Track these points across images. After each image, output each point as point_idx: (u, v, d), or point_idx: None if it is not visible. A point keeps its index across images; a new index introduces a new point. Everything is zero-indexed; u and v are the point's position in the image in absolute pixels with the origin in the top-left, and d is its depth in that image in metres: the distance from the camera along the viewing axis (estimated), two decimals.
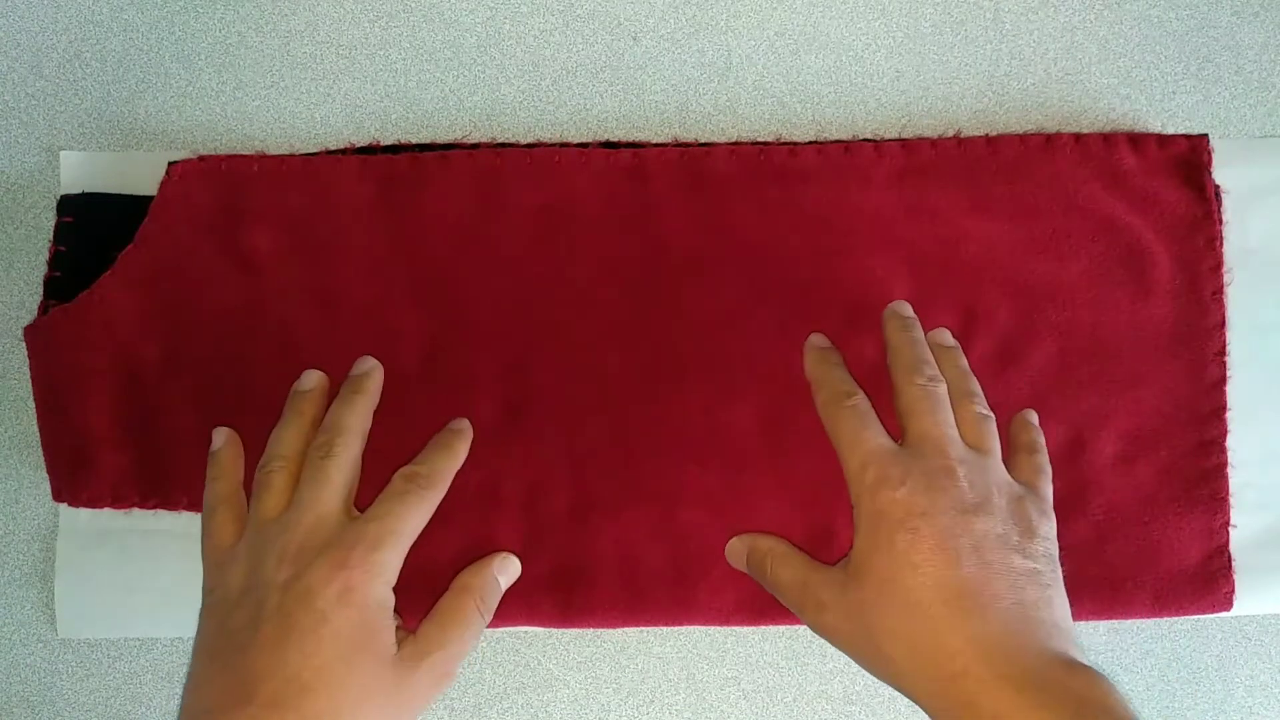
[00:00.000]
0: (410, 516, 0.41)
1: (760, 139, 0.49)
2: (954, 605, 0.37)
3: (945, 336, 0.45)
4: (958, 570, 0.37)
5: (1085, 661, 0.37)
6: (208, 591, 0.40)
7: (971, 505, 0.39)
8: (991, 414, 0.43)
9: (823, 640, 0.49)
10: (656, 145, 0.48)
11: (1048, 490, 0.43)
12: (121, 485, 0.46)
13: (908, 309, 0.45)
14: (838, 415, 0.42)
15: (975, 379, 0.44)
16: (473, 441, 0.46)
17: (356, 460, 0.42)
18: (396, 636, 0.40)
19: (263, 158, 0.47)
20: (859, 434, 0.41)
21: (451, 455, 0.44)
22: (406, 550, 0.41)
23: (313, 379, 0.44)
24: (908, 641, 0.37)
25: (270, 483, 0.41)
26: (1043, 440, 0.45)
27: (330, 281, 0.47)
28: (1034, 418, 0.45)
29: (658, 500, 0.47)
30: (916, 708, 0.49)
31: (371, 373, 0.44)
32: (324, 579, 0.38)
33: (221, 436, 0.44)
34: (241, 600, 0.38)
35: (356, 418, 0.42)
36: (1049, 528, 0.41)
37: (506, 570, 0.44)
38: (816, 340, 0.45)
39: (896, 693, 0.49)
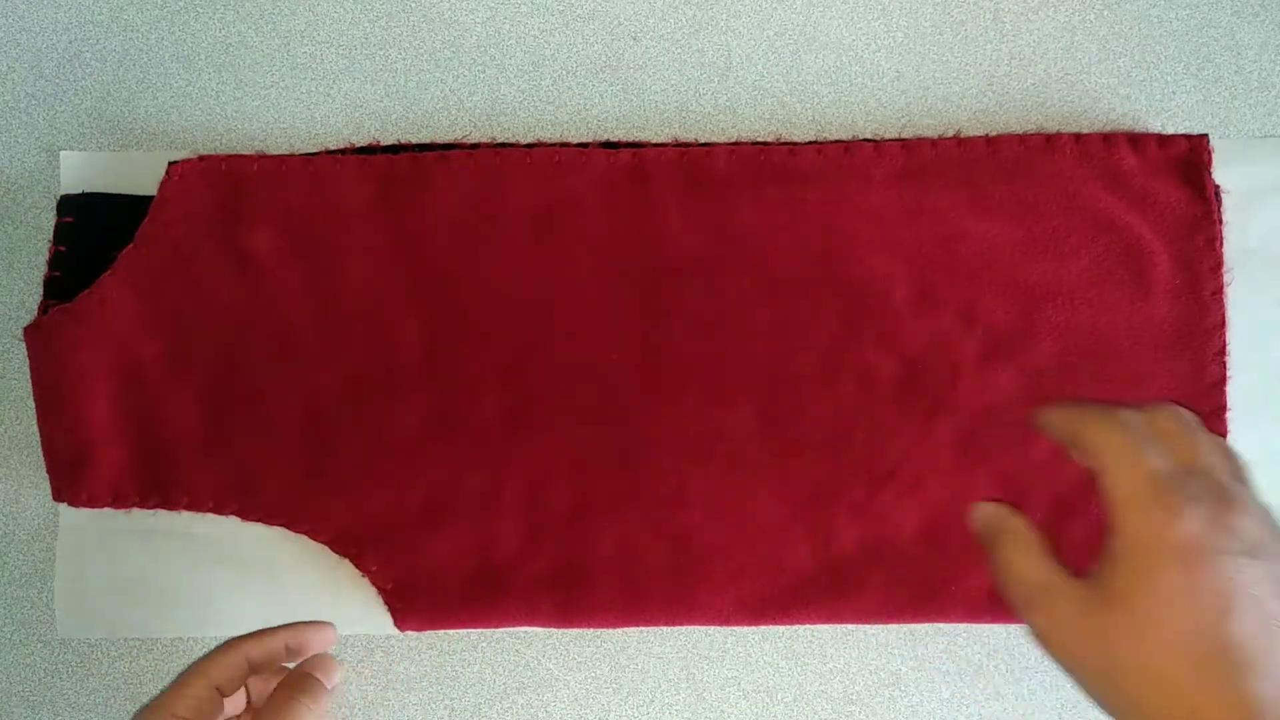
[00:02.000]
0: None
1: (760, 139, 0.49)
2: (1226, 660, 0.33)
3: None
4: (1233, 623, 0.33)
5: None
6: None
7: (1254, 547, 0.34)
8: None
9: (823, 640, 0.49)
10: (656, 145, 0.48)
11: None
12: (121, 485, 0.46)
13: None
14: (1107, 427, 0.37)
15: None
16: (473, 442, 0.46)
17: None
18: None
19: (263, 158, 0.47)
20: (1137, 449, 0.36)
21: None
22: None
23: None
24: (1162, 689, 0.34)
25: None
26: None
27: (330, 281, 0.47)
28: None
29: (658, 500, 0.47)
30: (915, 709, 0.49)
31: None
32: None
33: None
34: None
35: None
36: None
37: (328, 671, 0.43)
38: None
39: (896, 693, 0.49)
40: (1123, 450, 0.36)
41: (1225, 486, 0.35)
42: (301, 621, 0.46)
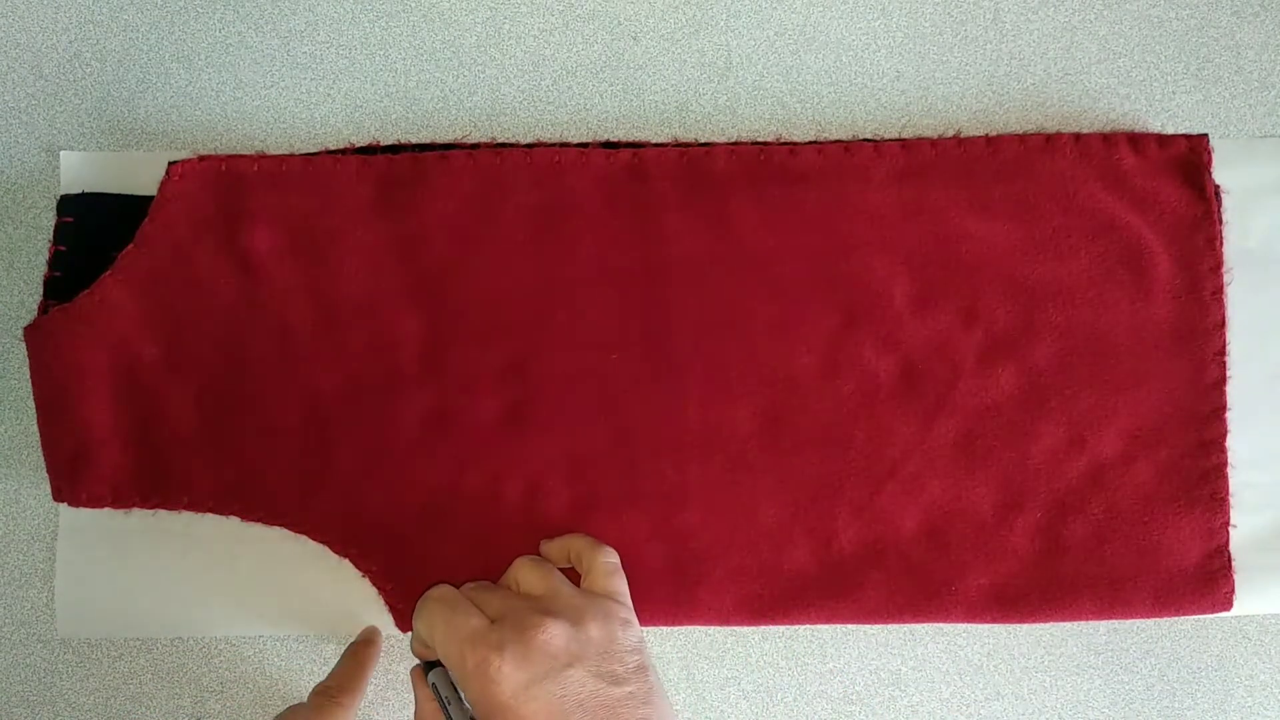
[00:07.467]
0: None
1: (760, 139, 0.49)
2: None
3: None
4: None
5: None
6: None
7: (574, 657, 0.38)
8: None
9: (823, 640, 0.49)
10: (656, 145, 0.48)
11: (623, 587, 0.43)
12: (121, 485, 0.46)
13: None
14: (424, 613, 0.41)
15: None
16: (473, 442, 0.46)
17: None
18: None
19: (263, 158, 0.47)
20: (448, 622, 0.39)
21: (359, 665, 0.46)
22: None
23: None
24: None
25: None
26: (600, 549, 0.44)
27: (330, 281, 0.47)
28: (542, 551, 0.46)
29: (658, 500, 0.47)
30: (915, 709, 0.49)
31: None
32: None
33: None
34: None
35: None
36: (631, 636, 0.40)
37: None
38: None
39: (897, 692, 0.49)
40: (435, 625, 0.39)
41: (526, 617, 0.38)
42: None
